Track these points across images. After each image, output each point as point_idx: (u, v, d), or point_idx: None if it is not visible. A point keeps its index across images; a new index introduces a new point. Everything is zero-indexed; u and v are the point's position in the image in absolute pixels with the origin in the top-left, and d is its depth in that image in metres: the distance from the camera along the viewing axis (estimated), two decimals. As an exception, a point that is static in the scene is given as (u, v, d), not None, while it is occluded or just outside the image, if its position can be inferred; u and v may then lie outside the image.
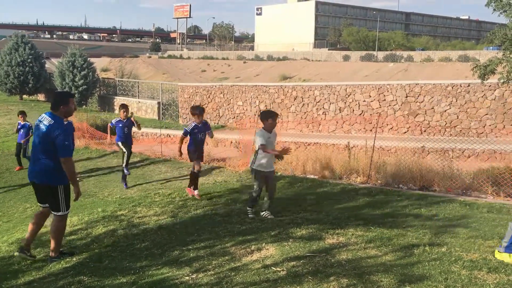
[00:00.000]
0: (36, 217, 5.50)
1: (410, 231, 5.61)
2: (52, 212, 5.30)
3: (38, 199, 5.45)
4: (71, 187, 5.21)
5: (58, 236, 5.33)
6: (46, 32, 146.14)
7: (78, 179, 5.53)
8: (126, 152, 10.33)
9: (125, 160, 10.26)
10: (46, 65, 35.21)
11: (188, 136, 8.32)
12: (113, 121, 10.59)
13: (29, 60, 30.34)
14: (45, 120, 5.11)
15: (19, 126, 13.42)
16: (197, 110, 8.27)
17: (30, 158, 5.43)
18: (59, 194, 5.15)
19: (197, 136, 8.30)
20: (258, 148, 6.41)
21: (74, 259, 5.39)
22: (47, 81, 31.24)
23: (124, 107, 10.62)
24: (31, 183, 5.38)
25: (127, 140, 10.45)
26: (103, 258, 5.29)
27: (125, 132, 10.33)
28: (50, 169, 5.07)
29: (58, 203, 5.18)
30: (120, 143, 10.40)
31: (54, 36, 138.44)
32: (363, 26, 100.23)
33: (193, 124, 8.29)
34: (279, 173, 10.17)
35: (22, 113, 13.59)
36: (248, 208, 6.70)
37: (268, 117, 6.46)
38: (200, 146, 8.49)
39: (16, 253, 5.45)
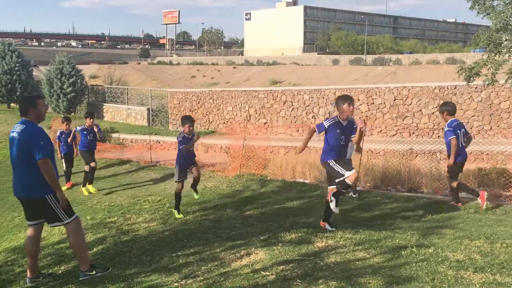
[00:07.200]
0: (28, 246, 4.91)
1: (398, 232, 5.65)
2: (56, 225, 4.91)
3: (27, 217, 4.94)
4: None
5: (79, 248, 4.88)
6: (34, 39, 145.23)
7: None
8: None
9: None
10: (34, 73, 34.97)
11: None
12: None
13: (16, 68, 30.12)
14: (17, 128, 4.72)
15: None
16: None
17: (13, 174, 4.86)
18: (51, 205, 4.70)
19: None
20: None
21: (63, 267, 5.36)
22: (35, 89, 30.99)
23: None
24: (18, 200, 4.96)
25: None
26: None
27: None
28: (34, 180, 4.65)
29: (55, 213, 4.73)
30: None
31: (42, 43, 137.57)
32: (351, 30, 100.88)
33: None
34: (268, 178, 10.20)
35: None
36: None
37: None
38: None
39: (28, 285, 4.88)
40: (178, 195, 7.72)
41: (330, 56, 74.89)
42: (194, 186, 8.09)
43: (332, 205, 5.86)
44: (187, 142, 7.59)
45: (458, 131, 7.07)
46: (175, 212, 7.62)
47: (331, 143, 5.83)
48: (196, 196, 8.12)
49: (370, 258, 4.73)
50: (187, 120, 7.69)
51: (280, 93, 20.63)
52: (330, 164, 5.83)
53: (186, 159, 7.76)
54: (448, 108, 7.27)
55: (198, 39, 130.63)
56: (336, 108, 5.97)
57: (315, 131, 5.96)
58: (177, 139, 7.71)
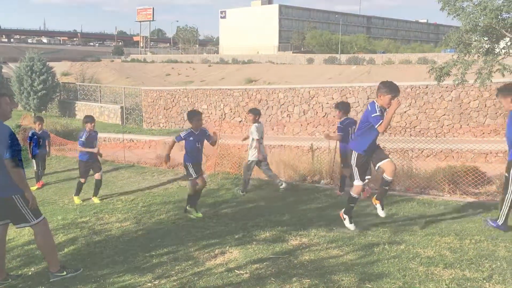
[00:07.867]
0: None
1: (371, 230, 5.74)
2: (22, 226, 4.80)
3: None
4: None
5: (48, 249, 4.79)
6: (3, 36, 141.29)
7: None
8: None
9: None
10: (3, 70, 34.10)
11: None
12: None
13: (-16, 65, 29.31)
14: None
15: None
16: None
17: None
18: (18, 205, 4.58)
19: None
20: None
21: (32, 269, 5.23)
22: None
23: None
24: None
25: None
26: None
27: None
28: (1, 180, 4.51)
29: (22, 214, 4.61)
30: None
31: (12, 40, 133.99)
32: (326, 30, 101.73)
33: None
34: (243, 176, 10.19)
35: None
36: None
37: None
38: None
39: None
40: (197, 192, 7.17)
41: (305, 55, 75.40)
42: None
43: (346, 223, 5.69)
44: (194, 138, 7.16)
45: (349, 128, 7.91)
46: (193, 211, 7.08)
47: (369, 136, 5.48)
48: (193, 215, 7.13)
49: (343, 256, 4.78)
50: (194, 113, 7.28)
51: (255, 92, 20.66)
52: (352, 159, 5.59)
53: (196, 159, 7.29)
54: (343, 107, 8.16)
55: (173, 37, 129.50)
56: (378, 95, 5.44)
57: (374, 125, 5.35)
58: (182, 135, 7.17)
